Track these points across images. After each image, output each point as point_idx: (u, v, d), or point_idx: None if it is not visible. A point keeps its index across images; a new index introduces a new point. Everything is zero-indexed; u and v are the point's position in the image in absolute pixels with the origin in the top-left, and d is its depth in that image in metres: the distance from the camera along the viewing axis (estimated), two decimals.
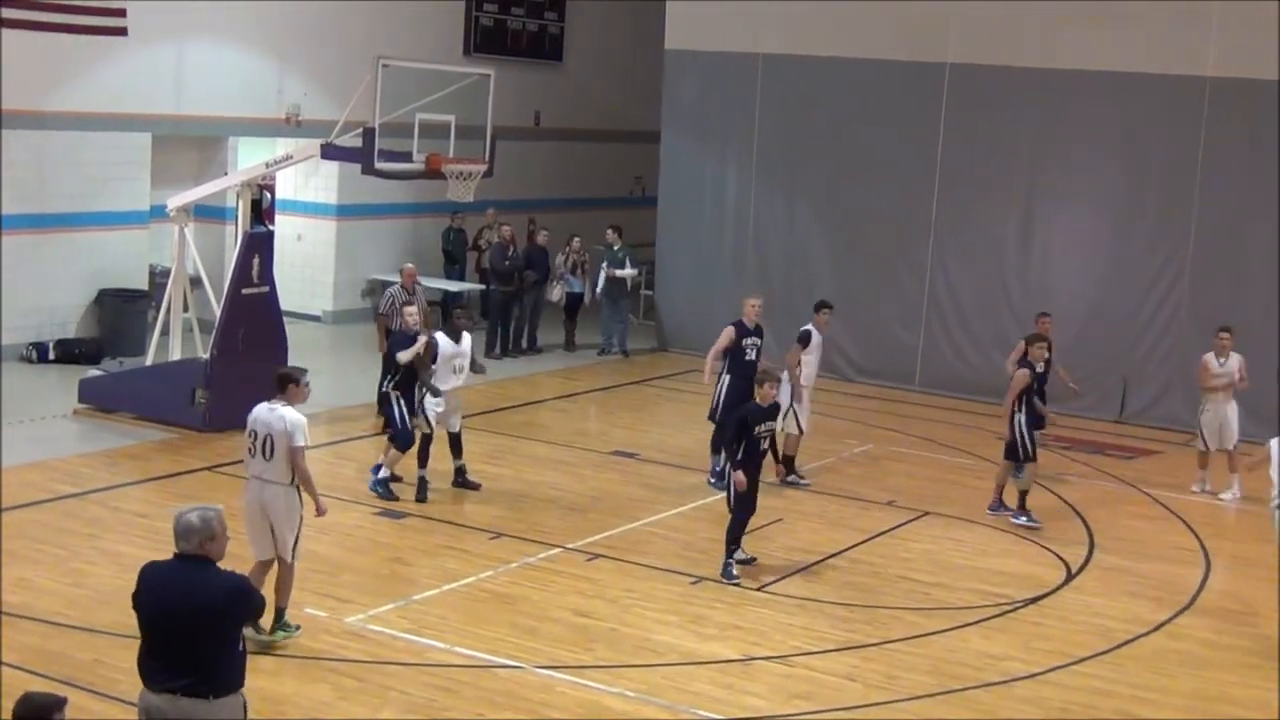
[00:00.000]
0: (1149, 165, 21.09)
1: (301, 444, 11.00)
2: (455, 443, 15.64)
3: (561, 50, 29.23)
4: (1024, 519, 15.47)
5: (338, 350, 23.42)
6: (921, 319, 22.70)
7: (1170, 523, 16.27)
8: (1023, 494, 15.62)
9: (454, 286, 25.44)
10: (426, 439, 15.30)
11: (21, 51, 19.80)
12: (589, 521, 14.82)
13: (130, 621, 11.32)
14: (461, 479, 15.68)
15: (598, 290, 23.98)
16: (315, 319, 24.98)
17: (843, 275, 23.14)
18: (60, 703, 6.62)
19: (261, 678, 10.50)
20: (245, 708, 7.70)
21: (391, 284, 25.55)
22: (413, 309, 16.35)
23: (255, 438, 11.14)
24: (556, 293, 24.07)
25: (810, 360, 16.95)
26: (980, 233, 22.29)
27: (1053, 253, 21.93)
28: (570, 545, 13.95)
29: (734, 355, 16.42)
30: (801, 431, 16.72)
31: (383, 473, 15.27)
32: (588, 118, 29.57)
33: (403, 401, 15.25)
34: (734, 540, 13.41)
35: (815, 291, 23.39)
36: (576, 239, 24.22)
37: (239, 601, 7.58)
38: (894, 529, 15.26)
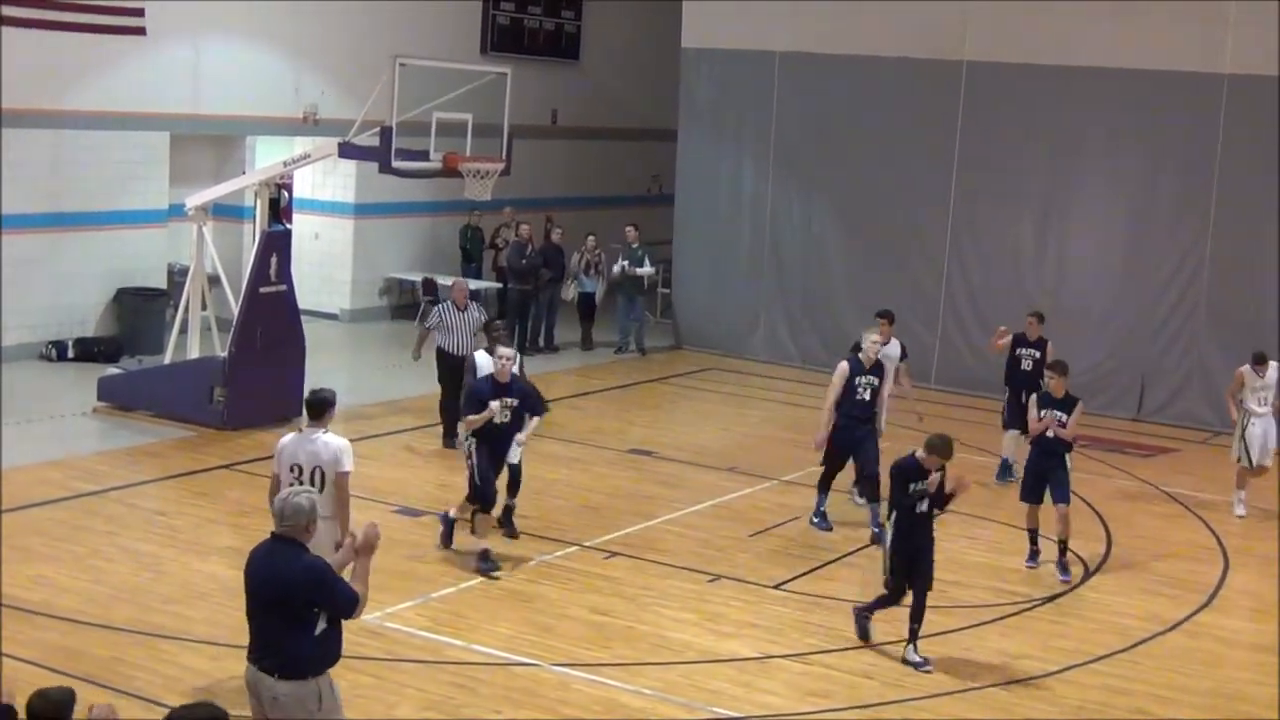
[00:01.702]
0: (1166, 162, 21.04)
1: (349, 469, 10.29)
2: (514, 477, 14.08)
3: (578, 49, 29.24)
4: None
5: (355, 349, 23.49)
6: (938, 316, 22.67)
7: (1188, 520, 16.22)
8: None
9: (471, 284, 25.41)
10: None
11: (40, 51, 19.87)
12: (606, 519, 14.83)
13: (148, 619, 11.45)
14: (507, 518, 14.11)
15: (604, 286, 23.92)
16: (333, 317, 25.03)
17: (859, 273, 23.14)
18: (73, 697, 6.75)
19: None
20: (321, 698, 7.70)
21: (409, 283, 25.78)
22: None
23: (300, 472, 10.19)
24: (570, 291, 24.08)
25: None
26: (997, 230, 22.25)
27: (1070, 250, 21.88)
28: (587, 543, 13.96)
29: (845, 393, 14.75)
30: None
31: (452, 512, 13.70)
32: (605, 116, 29.58)
33: (479, 456, 13.20)
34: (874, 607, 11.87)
35: (831, 289, 23.53)
36: (591, 237, 24.23)
37: (314, 583, 7.60)
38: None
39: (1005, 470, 16.96)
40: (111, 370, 18.83)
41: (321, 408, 10.54)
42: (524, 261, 23.24)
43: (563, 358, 23.53)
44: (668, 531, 14.64)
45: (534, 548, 13.71)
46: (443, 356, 17.12)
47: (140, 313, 21.26)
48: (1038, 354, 16.69)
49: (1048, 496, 13.85)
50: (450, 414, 16.89)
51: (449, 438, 17.00)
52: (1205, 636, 12.61)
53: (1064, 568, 13.76)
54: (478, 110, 18.32)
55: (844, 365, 14.77)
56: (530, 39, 28.06)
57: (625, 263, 23.70)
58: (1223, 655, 12.19)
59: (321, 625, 7.64)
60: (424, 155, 17.71)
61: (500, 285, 24.92)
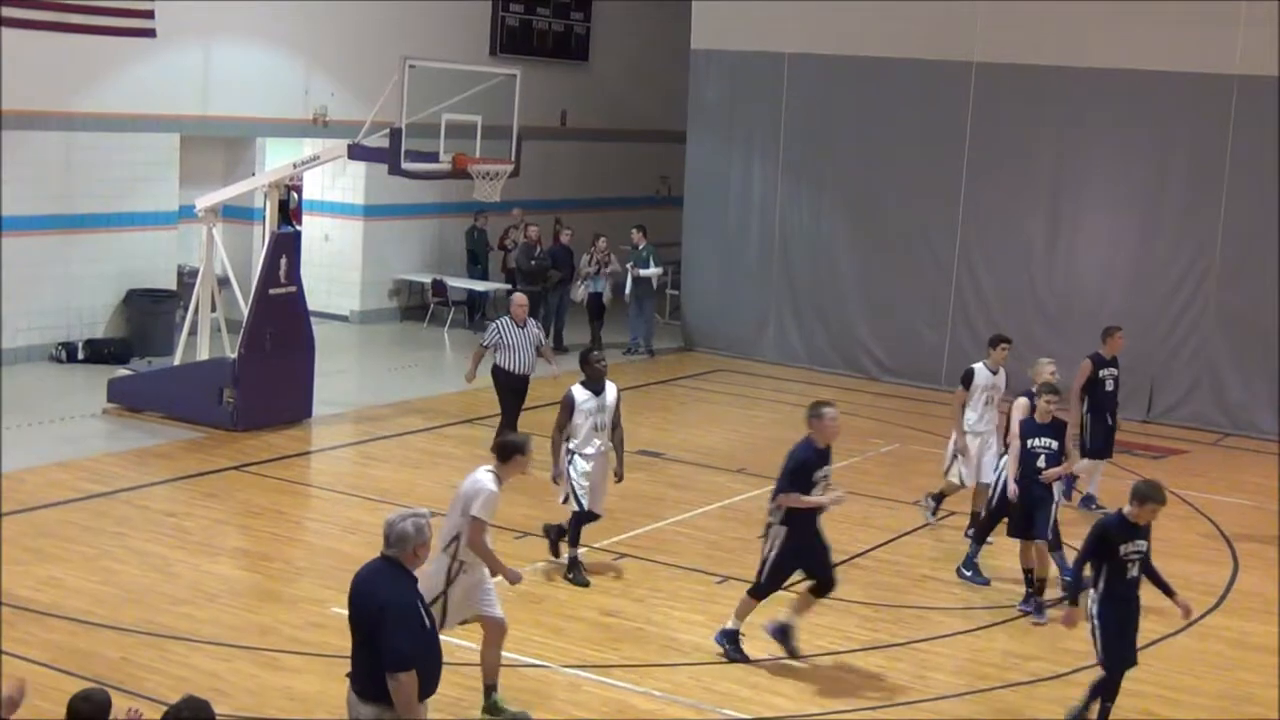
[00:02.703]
0: (1176, 164, 21.02)
1: (476, 514, 9.68)
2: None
3: (587, 50, 29.26)
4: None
5: (364, 350, 23.50)
6: (947, 318, 22.66)
7: (1198, 522, 16.21)
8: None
9: (479, 286, 25.53)
10: (579, 517, 13.00)
11: (50, 53, 19.91)
12: (615, 521, 14.81)
13: (158, 620, 11.46)
14: (575, 568, 13.03)
15: (626, 291, 23.92)
16: (342, 319, 25.07)
17: (868, 275, 23.14)
18: (109, 701, 6.76)
19: (287, 676, 10.57)
20: None
21: (419, 284, 25.80)
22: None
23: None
24: (579, 292, 24.08)
25: (974, 404, 14.47)
26: (1006, 232, 22.23)
27: (1079, 251, 21.86)
28: (596, 545, 13.95)
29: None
30: (962, 484, 14.70)
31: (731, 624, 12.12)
32: (613, 117, 29.59)
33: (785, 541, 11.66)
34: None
35: (840, 290, 23.53)
36: (602, 239, 24.22)
37: (381, 619, 7.46)
38: (920, 529, 15.23)
39: (1088, 500, 16.14)
40: (121, 372, 18.87)
41: (504, 451, 10.05)
42: (533, 263, 23.26)
43: (572, 359, 23.45)
44: (677, 533, 14.65)
45: (543, 549, 13.70)
46: (501, 375, 16.44)
47: (150, 314, 21.30)
48: (1117, 371, 15.91)
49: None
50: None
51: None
52: (1214, 638, 12.59)
53: (1039, 608, 12.64)
54: (487, 112, 18.35)
55: (1023, 402, 13.24)
56: (539, 40, 28.08)
57: (630, 264, 23.70)
58: (1232, 657, 12.18)
59: None
60: (433, 157, 17.74)
61: (509, 286, 24.96)
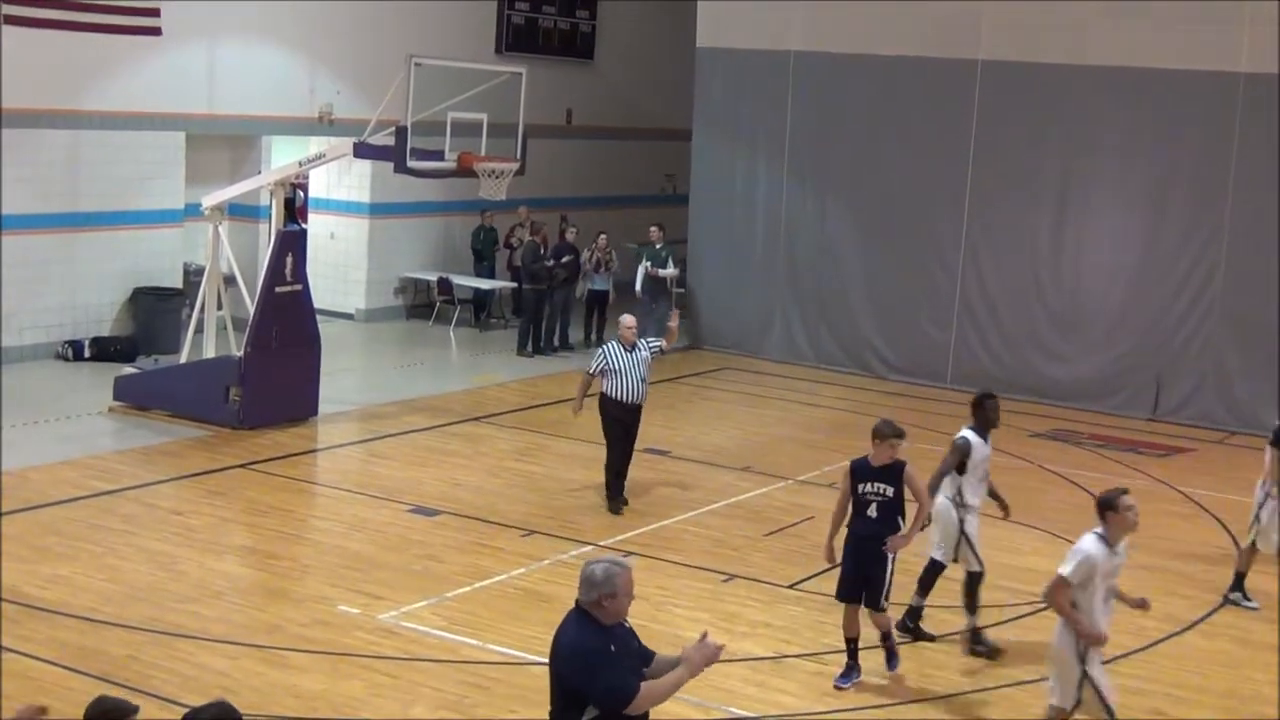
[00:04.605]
0: (1182, 162, 20.99)
1: (1061, 572, 9.03)
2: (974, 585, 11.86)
3: (593, 48, 29.26)
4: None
5: (370, 348, 23.51)
6: (953, 316, 22.65)
7: (1204, 520, 16.20)
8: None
9: (485, 284, 25.54)
10: (974, 577, 11.90)
11: (56, 51, 19.93)
12: (621, 519, 14.84)
13: (164, 618, 11.47)
14: (914, 624, 12.09)
15: (638, 288, 23.88)
16: (348, 317, 25.08)
17: (874, 273, 23.13)
18: (132, 710, 6.22)
19: (294, 674, 10.58)
20: None
21: (424, 282, 25.81)
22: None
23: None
24: (580, 288, 24.10)
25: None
26: (1012, 230, 22.21)
27: (1085, 250, 21.84)
28: (602, 543, 13.97)
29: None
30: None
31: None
32: (619, 115, 29.59)
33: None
34: None
35: (846, 288, 23.51)
36: (603, 236, 24.22)
37: (573, 664, 6.89)
38: (925, 527, 15.18)
39: None
40: (128, 370, 18.88)
41: (1100, 509, 9.22)
42: (539, 263, 23.27)
43: (577, 357, 23.53)
44: (683, 531, 14.65)
45: (549, 547, 13.72)
46: (610, 406, 14.97)
47: (156, 312, 21.32)
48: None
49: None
50: (616, 473, 15.03)
51: (615, 500, 15.00)
52: (1222, 637, 12.58)
53: (848, 672, 11.08)
54: (492, 110, 18.34)
55: None
56: (545, 39, 28.08)
57: (648, 263, 23.65)
58: (1239, 656, 12.16)
59: (592, 713, 6.83)
60: (439, 155, 17.74)
61: (515, 285, 24.99)
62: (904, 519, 10.90)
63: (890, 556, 10.77)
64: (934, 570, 12.04)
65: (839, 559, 10.93)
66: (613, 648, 6.88)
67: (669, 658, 7.13)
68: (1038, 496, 16.01)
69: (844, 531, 11.01)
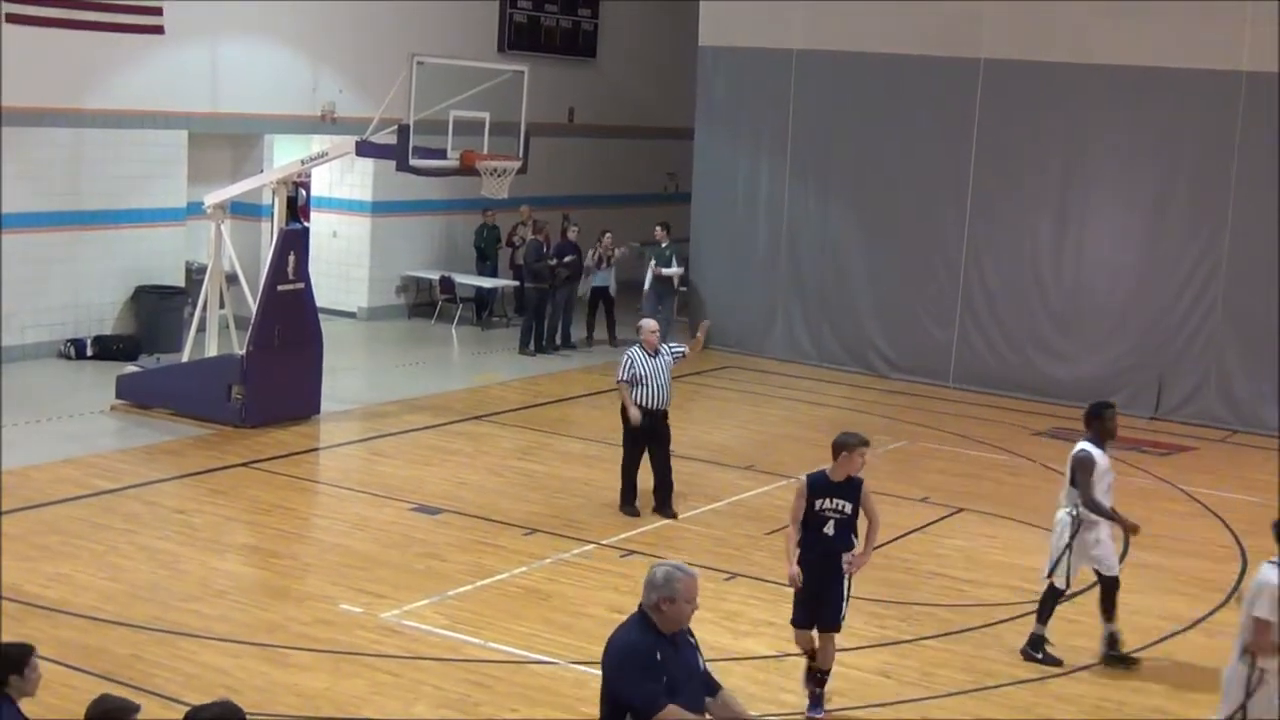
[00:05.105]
0: (1184, 160, 20.97)
1: (1259, 615, 8.55)
2: (1110, 592, 11.66)
3: (595, 47, 29.26)
4: None
5: (372, 347, 23.53)
6: (955, 315, 22.64)
7: (1206, 519, 16.19)
8: None
9: (487, 283, 25.55)
10: (1109, 583, 11.70)
11: (59, 50, 19.94)
12: (623, 517, 14.83)
13: (167, 616, 11.48)
14: (1039, 652, 11.74)
15: (646, 287, 23.87)
16: (350, 316, 25.08)
17: (876, 271, 23.12)
18: (134, 709, 6.33)
19: (296, 673, 10.58)
20: None
21: (426, 281, 25.81)
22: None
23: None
24: (583, 287, 24.11)
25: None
26: (1014, 228, 22.20)
27: (1087, 248, 21.82)
28: (604, 541, 13.97)
29: None
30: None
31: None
32: (621, 114, 29.60)
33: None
34: None
35: (848, 287, 23.50)
36: (607, 234, 24.22)
37: (614, 664, 6.70)
38: (928, 525, 15.22)
39: None
40: (130, 368, 18.89)
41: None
42: (539, 261, 23.27)
43: (579, 355, 23.54)
44: (685, 530, 14.65)
45: (551, 545, 13.72)
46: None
47: (158, 311, 21.32)
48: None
49: None
50: (632, 478, 15.02)
51: (628, 505, 15.02)
52: (1224, 635, 12.51)
53: (817, 701, 10.52)
54: (495, 108, 18.35)
55: None
56: (547, 37, 28.08)
57: (653, 262, 23.65)
58: None
59: None
60: (441, 153, 17.74)
61: (517, 284, 24.99)
62: (856, 537, 10.40)
63: (847, 574, 10.29)
64: (1053, 595, 11.66)
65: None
66: (659, 656, 6.63)
67: (739, 705, 7.02)
68: (1038, 496, 15.98)
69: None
